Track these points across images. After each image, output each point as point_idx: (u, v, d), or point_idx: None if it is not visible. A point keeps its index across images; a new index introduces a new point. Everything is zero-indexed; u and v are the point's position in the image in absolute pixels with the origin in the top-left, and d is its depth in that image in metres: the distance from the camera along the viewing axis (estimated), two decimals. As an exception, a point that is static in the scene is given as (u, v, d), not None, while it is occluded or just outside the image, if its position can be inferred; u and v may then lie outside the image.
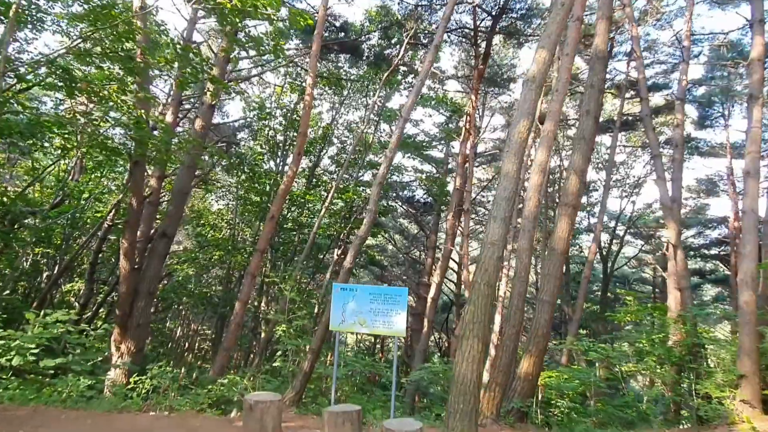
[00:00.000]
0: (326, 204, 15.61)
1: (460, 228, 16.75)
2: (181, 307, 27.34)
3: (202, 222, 24.87)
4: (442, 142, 22.52)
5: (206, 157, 26.13)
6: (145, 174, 18.54)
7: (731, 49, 18.32)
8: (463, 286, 15.49)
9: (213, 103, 14.06)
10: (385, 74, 15.65)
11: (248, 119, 24.95)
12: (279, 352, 9.58)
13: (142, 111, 10.92)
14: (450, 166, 22.90)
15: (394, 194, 24.03)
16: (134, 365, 11.57)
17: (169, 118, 14.07)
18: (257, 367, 13.05)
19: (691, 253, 23.77)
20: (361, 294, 8.12)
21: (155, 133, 12.06)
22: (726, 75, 18.91)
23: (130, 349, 12.56)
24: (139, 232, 13.74)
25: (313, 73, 12.40)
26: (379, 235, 28.45)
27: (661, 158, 13.06)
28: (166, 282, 24.75)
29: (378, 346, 24.64)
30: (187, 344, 32.10)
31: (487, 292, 7.15)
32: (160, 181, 14.64)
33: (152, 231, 14.44)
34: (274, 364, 9.49)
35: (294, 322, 9.40)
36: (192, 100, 19.91)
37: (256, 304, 23.18)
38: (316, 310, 19.66)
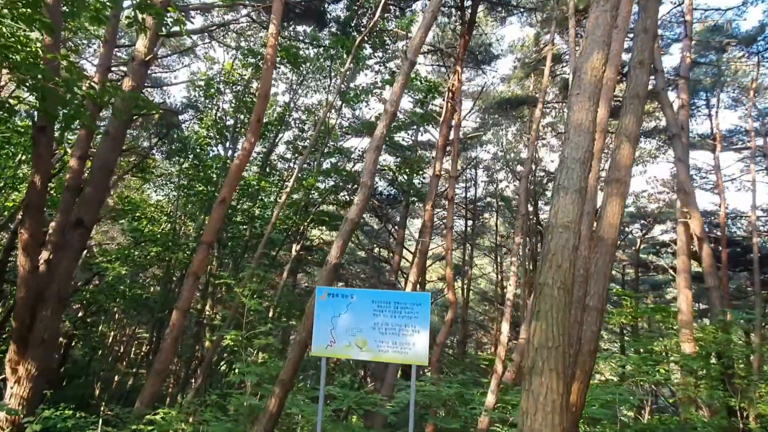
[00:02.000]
0: (289, 188, 12.70)
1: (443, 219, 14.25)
2: (115, 310, 23.67)
3: (138, 215, 21.32)
4: (413, 127, 19.93)
5: (145, 142, 22.60)
6: (67, 149, 14.97)
7: (720, 31, 16.64)
8: (446, 289, 12.91)
9: (147, 59, 10.85)
10: (357, 40, 12.89)
11: (192, 99, 21.57)
12: (230, 374, 6.59)
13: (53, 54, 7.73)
14: (419, 153, 20.33)
15: (354, 186, 21.23)
16: (28, 399, 8.34)
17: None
18: (200, 391, 10.02)
19: (661, 249, 22.35)
20: (360, 302, 5.37)
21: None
22: (714, 60, 17.31)
23: (31, 372, 9.26)
24: (53, 224, 10.50)
25: (276, 19, 9.50)
26: (335, 231, 25.63)
27: (681, 138, 10.92)
28: (97, 283, 21.15)
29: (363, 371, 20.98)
30: (122, 349, 28.24)
31: (563, 298, 4.56)
32: (83, 162, 11.30)
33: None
34: (224, 390, 6.57)
35: (254, 342, 6.59)
36: (124, 69, 16.49)
37: (199, 307, 19.92)
38: (270, 314, 16.69)
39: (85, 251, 22.99)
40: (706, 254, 10.48)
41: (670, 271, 16.90)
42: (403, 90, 6.77)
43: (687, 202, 10.88)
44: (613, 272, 25.65)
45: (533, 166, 20.81)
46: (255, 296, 10.52)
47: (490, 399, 9.05)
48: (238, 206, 19.46)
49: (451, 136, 14.46)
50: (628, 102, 7.48)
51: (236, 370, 6.31)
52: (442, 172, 14.67)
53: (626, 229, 22.96)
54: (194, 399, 8.86)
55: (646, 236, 22.14)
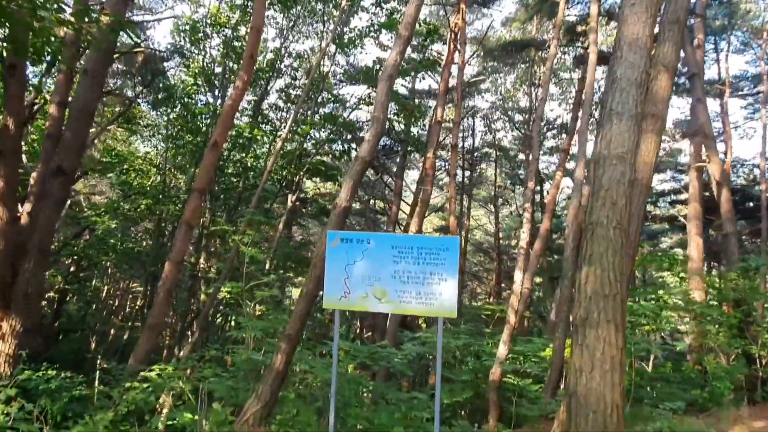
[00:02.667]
0: (283, 136, 11.80)
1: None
2: (108, 264, 22.93)
3: (126, 168, 20.26)
4: (411, 74, 18.80)
5: (129, 90, 21.30)
6: (45, 96, 13.90)
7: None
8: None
9: (126, -9, 9.73)
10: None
11: (178, 45, 20.19)
12: (228, 328, 5.92)
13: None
14: (417, 102, 19.32)
15: (349, 136, 20.27)
16: (14, 356, 7.68)
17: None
18: (197, 346, 9.42)
19: (667, 199, 21.83)
20: (377, 248, 4.65)
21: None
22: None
23: (15, 328, 8.57)
24: (35, 174, 9.62)
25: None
26: (330, 182, 24.82)
27: (701, 78, 10.10)
28: (87, 237, 20.37)
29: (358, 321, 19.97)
30: (116, 303, 27.73)
31: (619, 239, 3.88)
32: (62, 109, 10.29)
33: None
34: (223, 345, 5.92)
35: (256, 293, 5.88)
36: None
37: (193, 260, 19.21)
38: (267, 266, 16.05)
39: (70, 203, 22.03)
40: (725, 199, 9.86)
41: (680, 219, 16.33)
42: (419, 11, 5.86)
43: (706, 145, 10.17)
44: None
45: (532, 114, 19.94)
46: (253, 244, 9.81)
47: (502, 350, 8.53)
48: (230, 157, 18.51)
49: (453, 81, 13.51)
50: (666, 28, 6.59)
51: (235, 323, 5.62)
52: (444, 119, 13.79)
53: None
54: (191, 354, 8.26)
55: (645, 186, 21.57)
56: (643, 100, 4.30)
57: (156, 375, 6.93)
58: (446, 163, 21.73)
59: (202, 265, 16.89)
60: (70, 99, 10.14)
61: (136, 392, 6.50)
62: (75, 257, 20.15)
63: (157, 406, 6.56)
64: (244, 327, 5.54)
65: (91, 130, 18.92)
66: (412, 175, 27.32)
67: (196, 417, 5.36)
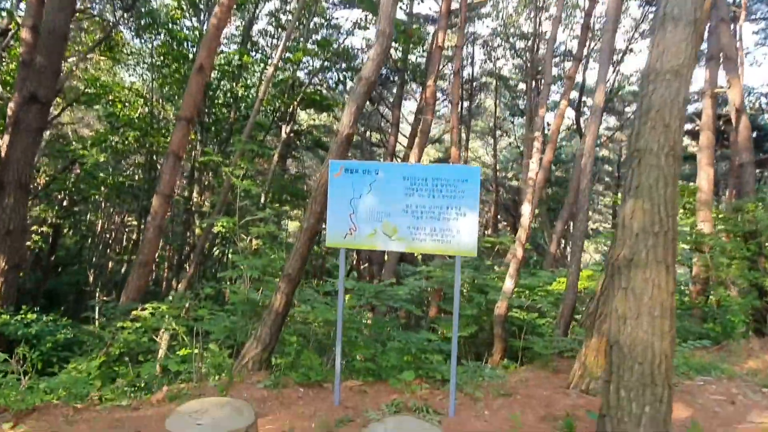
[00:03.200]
0: (275, 61, 10.86)
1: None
2: (100, 199, 22.31)
3: (111, 99, 19.17)
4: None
5: (109, 15, 19.82)
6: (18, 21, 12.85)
7: None
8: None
9: None
10: None
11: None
12: (225, 261, 5.38)
13: None
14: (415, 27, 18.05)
15: (344, 65, 19.11)
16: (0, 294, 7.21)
17: None
18: (193, 281, 8.97)
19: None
20: (387, 179, 4.06)
21: None
22: None
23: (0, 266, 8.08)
24: (12, 104, 8.81)
25: None
26: (324, 114, 23.81)
27: (726, -7, 9.18)
28: (79, 172, 19.68)
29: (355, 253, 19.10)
30: (113, 236, 27.35)
31: (671, 168, 3.31)
32: (36, 33, 9.28)
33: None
34: (219, 282, 5.45)
35: (251, 229, 5.31)
36: None
37: (186, 194, 18.59)
38: (262, 200, 15.47)
39: (57, 136, 21.09)
40: (744, 127, 9.22)
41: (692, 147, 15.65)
42: None
43: (728, 69, 9.41)
44: (609, 153, 24.57)
45: (536, 40, 18.80)
46: (247, 176, 9.17)
47: (509, 284, 8.14)
48: (220, 86, 17.46)
49: (456, 4, 12.41)
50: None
51: (231, 263, 5.10)
52: (444, 45, 12.78)
53: (626, 108, 21.51)
54: (186, 291, 7.82)
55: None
56: (703, 2, 3.58)
57: (149, 314, 6.52)
58: (444, 93, 20.74)
59: (195, 199, 16.27)
60: (43, 21, 9.16)
61: (128, 332, 6.10)
62: (65, 192, 19.51)
63: (152, 346, 6.17)
64: (239, 265, 5.03)
65: (71, 59, 17.74)
66: (408, 106, 26.28)
67: (193, 361, 4.95)
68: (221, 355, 5.08)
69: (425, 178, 3.99)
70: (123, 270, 21.96)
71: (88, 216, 25.15)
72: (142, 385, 4.49)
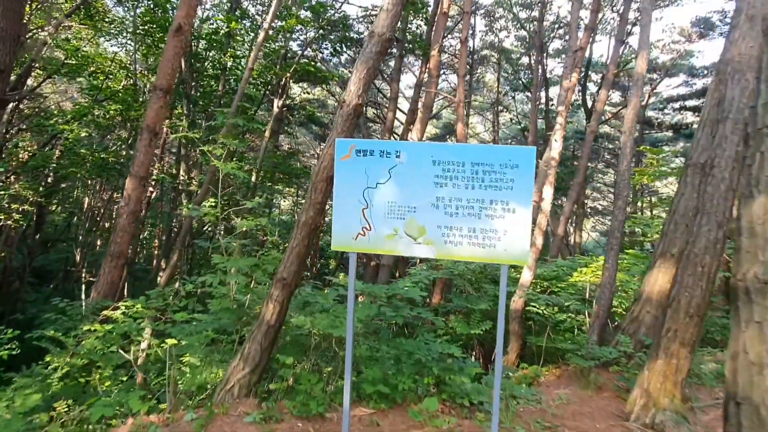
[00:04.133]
0: (266, 26, 9.67)
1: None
2: (84, 176, 21.15)
3: (93, 70, 17.85)
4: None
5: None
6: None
7: None
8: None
9: None
10: None
11: None
12: (206, 276, 4.32)
13: None
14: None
15: (338, 34, 17.79)
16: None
17: None
18: (178, 268, 7.97)
19: (673, 105, 20.10)
20: (412, 163, 3.06)
21: None
22: None
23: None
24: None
25: None
26: (318, 87, 22.57)
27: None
28: (60, 151, 18.57)
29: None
30: (101, 213, 26.24)
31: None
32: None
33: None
34: (202, 279, 4.44)
35: (239, 223, 4.29)
36: None
37: (174, 171, 17.43)
38: (254, 178, 14.38)
39: (38, 110, 19.80)
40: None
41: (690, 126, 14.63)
42: None
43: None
44: (611, 130, 23.54)
45: (542, 12, 17.57)
46: (233, 158, 8.14)
47: (526, 275, 7.24)
48: (207, 56, 16.19)
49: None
50: None
51: (213, 264, 4.06)
52: (451, 8, 11.62)
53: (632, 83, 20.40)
54: (169, 284, 6.83)
55: (655, 91, 19.78)
56: None
57: (121, 314, 5.53)
58: (444, 66, 19.50)
59: (183, 177, 15.15)
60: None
61: (94, 338, 5.10)
62: (47, 168, 18.34)
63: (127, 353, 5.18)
64: (219, 266, 4.00)
65: (47, 27, 16.35)
66: (405, 80, 25.09)
67: (167, 382, 3.99)
68: (198, 376, 4.12)
69: (462, 163, 2.99)
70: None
71: (76, 192, 24.10)
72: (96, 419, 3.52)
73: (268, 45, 15.52)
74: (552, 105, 17.96)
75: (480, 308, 7.42)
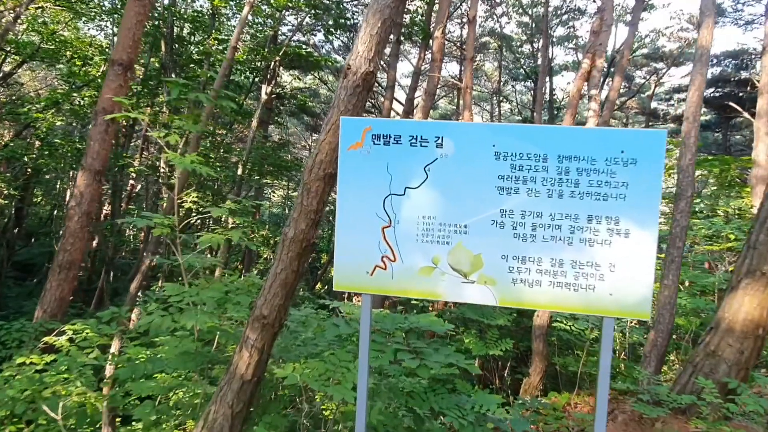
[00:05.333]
0: (252, 1, 8.42)
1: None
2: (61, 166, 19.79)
3: (71, 54, 16.46)
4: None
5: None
6: None
7: None
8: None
9: None
10: None
11: None
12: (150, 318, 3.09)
13: None
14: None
15: (333, 13, 16.45)
16: None
17: None
18: (141, 288, 6.76)
19: (679, 96, 19.06)
20: (467, 156, 1.87)
21: None
22: None
23: None
24: None
25: None
26: (310, 76, 21.30)
27: None
28: (29, 141, 17.35)
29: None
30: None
31: None
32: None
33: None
34: (144, 323, 3.20)
35: (201, 241, 3.07)
36: None
37: (158, 163, 16.10)
38: (240, 171, 13.14)
39: (14, 98, 18.46)
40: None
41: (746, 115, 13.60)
42: None
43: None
44: (615, 122, 22.50)
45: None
46: (216, 148, 6.99)
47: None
48: (191, 40, 14.86)
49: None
50: None
51: (164, 291, 2.85)
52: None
53: (637, 72, 19.35)
54: (130, 306, 5.67)
55: (661, 81, 18.72)
56: None
57: (67, 340, 4.36)
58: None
59: (163, 169, 13.85)
60: None
61: (25, 378, 3.91)
62: (22, 159, 16.98)
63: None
64: (173, 300, 2.80)
65: (18, 8, 14.94)
66: (403, 69, 23.86)
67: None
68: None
69: (543, 156, 1.84)
70: (94, 244, 19.70)
71: (59, 184, 22.79)
72: None
73: (254, 24, 14.24)
74: (555, 95, 16.89)
75: (497, 323, 6.30)
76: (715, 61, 17.70)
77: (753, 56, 16.29)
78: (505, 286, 1.90)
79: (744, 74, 16.41)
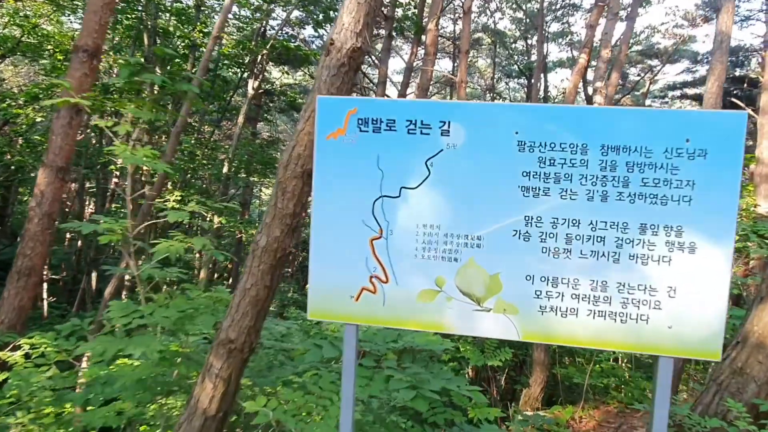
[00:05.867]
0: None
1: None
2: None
3: (52, 48, 15.85)
4: None
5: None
6: None
7: None
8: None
9: None
10: None
11: None
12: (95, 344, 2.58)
13: None
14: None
15: (321, 14, 15.96)
16: None
17: None
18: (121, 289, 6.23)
19: (674, 93, 18.74)
20: (481, 146, 1.39)
21: None
22: None
23: None
24: None
25: None
26: (300, 72, 20.76)
27: None
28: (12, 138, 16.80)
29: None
30: (72, 205, 24.31)
31: None
32: None
33: None
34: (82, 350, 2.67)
35: (157, 250, 2.55)
36: None
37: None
38: (225, 169, 12.63)
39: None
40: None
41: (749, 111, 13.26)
42: None
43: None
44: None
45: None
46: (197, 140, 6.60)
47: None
48: (175, 32, 14.27)
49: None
50: None
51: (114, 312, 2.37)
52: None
53: (632, 69, 19.02)
54: (94, 321, 5.17)
55: (656, 78, 18.41)
56: None
57: (22, 356, 3.86)
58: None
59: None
60: None
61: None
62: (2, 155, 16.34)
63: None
64: (119, 322, 2.30)
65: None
66: (392, 65, 23.39)
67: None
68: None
69: (582, 147, 1.40)
70: (79, 243, 19.15)
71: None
72: None
73: (241, 17, 13.71)
74: (549, 93, 16.51)
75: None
76: (710, 58, 17.33)
77: (749, 53, 15.99)
78: (531, 316, 1.45)
79: (738, 71, 16.12)
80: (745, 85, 14.93)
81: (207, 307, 2.49)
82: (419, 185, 1.48)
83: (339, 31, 2.24)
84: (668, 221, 1.37)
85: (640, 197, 1.38)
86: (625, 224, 1.40)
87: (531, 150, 1.43)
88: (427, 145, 1.47)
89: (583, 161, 1.41)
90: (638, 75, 19.16)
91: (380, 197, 1.49)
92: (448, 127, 1.46)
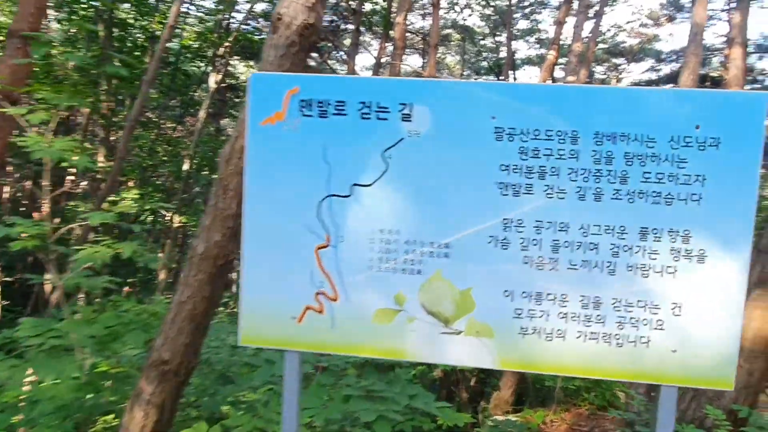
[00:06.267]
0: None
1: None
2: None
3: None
4: None
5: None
6: None
7: None
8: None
9: None
10: None
11: None
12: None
13: None
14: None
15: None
16: None
17: None
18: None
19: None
20: (450, 133, 1.11)
21: None
22: None
23: None
24: None
25: None
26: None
27: None
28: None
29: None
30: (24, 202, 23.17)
31: None
32: None
33: None
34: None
35: (80, 258, 2.20)
36: None
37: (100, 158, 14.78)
38: (186, 167, 12.10)
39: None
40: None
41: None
42: None
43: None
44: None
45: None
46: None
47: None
48: (135, 23, 13.63)
49: None
50: None
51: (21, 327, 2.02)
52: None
53: (598, 67, 19.20)
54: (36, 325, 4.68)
55: (621, 76, 18.65)
56: None
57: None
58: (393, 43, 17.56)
59: (103, 165, 12.65)
60: None
61: None
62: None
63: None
64: (32, 339, 1.95)
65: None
66: (360, 62, 23.06)
67: None
68: None
69: (571, 135, 1.14)
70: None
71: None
72: None
73: (201, 8, 13.17)
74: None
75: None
76: (674, 57, 17.72)
77: (711, 52, 16.29)
78: (509, 339, 1.20)
79: (701, 71, 16.41)
80: (708, 84, 15.17)
81: (139, 323, 2.16)
82: (375, 182, 1.20)
83: (288, 5, 1.94)
84: (673, 224, 1.14)
85: (641, 196, 1.14)
86: (622, 228, 1.15)
87: (511, 138, 1.17)
88: (385, 133, 1.20)
89: (573, 152, 1.15)
90: (604, 73, 19.36)
91: (327, 197, 1.21)
92: (410, 110, 1.19)
